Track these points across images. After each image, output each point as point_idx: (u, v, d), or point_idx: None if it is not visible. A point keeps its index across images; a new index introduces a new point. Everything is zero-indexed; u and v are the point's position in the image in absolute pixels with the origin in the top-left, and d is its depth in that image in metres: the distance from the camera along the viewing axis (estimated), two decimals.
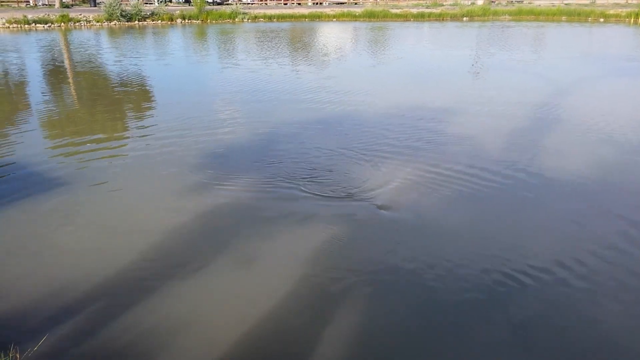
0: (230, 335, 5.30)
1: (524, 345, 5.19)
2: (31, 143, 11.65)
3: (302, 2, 72.93)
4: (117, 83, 19.78)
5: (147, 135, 12.34)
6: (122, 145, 11.61)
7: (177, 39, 38.40)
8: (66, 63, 25.06)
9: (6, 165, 10.10)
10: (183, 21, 51.16)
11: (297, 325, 5.49)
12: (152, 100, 16.81)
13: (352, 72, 22.70)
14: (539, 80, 20.09)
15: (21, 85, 19.66)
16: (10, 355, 4.00)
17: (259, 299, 5.89)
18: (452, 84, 19.76)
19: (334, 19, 57.49)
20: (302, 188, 8.87)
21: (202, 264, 6.61)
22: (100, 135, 12.41)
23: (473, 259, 6.70)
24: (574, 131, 12.68)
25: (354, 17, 58.01)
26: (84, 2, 63.95)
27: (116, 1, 48.64)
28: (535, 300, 5.89)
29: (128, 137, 12.38)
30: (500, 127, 13.07)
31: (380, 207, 8.19)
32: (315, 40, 37.27)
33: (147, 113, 14.94)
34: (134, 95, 17.60)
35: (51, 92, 18.34)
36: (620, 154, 10.87)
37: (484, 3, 65.37)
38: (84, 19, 47.75)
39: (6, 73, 21.88)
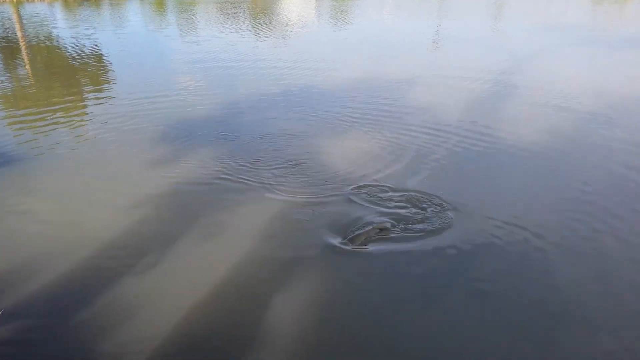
0: (196, 305, 5.41)
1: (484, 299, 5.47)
2: None
3: None
4: (73, 57, 19.24)
5: (105, 110, 12.12)
6: (79, 120, 11.39)
7: (134, 12, 37.34)
8: (19, 37, 24.16)
9: None
10: None
11: (256, 294, 5.63)
12: (110, 74, 16.45)
13: (314, 43, 22.60)
14: (498, 50, 20.42)
15: None
16: None
17: (222, 270, 5.99)
18: (412, 55, 19.92)
19: None
20: (264, 162, 8.93)
21: (164, 238, 6.64)
22: (57, 111, 12.12)
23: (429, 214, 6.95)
24: (531, 100, 13.03)
25: None
26: None
27: None
28: (492, 255, 6.19)
29: (86, 112, 12.14)
30: (460, 97, 13.32)
31: (337, 178, 8.35)
32: (277, 11, 36.82)
33: (105, 87, 14.63)
34: (91, 69, 17.17)
35: (3, 67, 17.72)
36: (574, 122, 11.26)
37: None
38: None
39: None
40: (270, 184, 8.05)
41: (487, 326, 5.13)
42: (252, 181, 8.15)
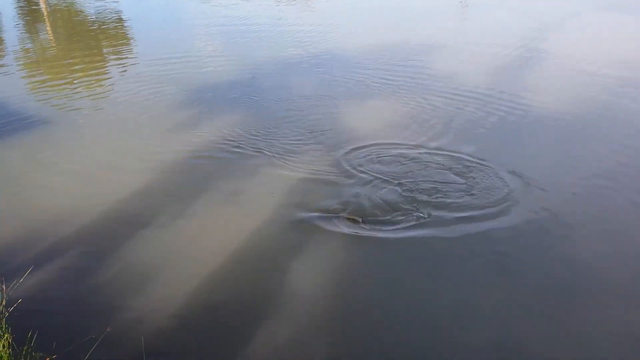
0: (214, 268, 5.47)
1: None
2: (7, 83, 11.41)
3: None
4: (94, 20, 19.20)
5: (126, 74, 12.13)
6: (100, 84, 11.43)
7: None
8: (41, 2, 24.14)
9: None
10: None
11: (273, 259, 5.67)
12: (131, 38, 16.39)
13: (338, 8, 22.18)
14: (528, 15, 19.81)
15: None
16: None
17: (242, 230, 6.03)
18: (438, 20, 19.43)
19: None
20: (284, 127, 8.88)
21: (186, 200, 6.71)
22: (79, 75, 12.16)
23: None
24: (562, 66, 12.63)
25: None
26: None
27: None
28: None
29: (106, 76, 12.16)
30: (488, 63, 12.99)
31: (358, 139, 8.29)
32: None
33: (126, 51, 14.59)
34: (112, 34, 17.12)
35: (27, 32, 17.78)
36: (600, 91, 10.93)
37: None
38: None
39: None
40: (289, 152, 8.02)
41: (505, 301, 5.10)
42: (270, 148, 8.13)
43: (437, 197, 6.68)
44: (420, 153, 7.90)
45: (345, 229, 6.06)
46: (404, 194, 6.74)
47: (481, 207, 6.47)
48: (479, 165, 7.44)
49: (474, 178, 7.14)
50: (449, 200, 6.61)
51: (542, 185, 6.97)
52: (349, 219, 6.25)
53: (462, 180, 7.09)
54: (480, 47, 14.58)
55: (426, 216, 6.28)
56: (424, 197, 6.68)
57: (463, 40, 15.57)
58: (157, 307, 4.90)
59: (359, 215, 6.32)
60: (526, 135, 8.73)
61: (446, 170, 7.38)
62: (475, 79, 11.46)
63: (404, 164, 7.58)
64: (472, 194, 6.75)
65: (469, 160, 7.59)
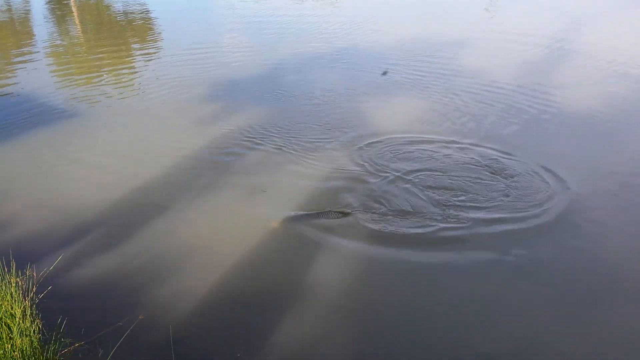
0: (237, 256, 5.46)
1: None
2: (37, 74, 11.58)
3: None
4: (121, 13, 19.42)
5: (151, 67, 12.22)
6: (126, 76, 11.53)
7: None
8: None
9: (12, 94, 10.13)
10: None
11: (296, 252, 5.65)
12: (157, 32, 16.52)
13: (360, 4, 22.05)
14: (557, 12, 19.43)
15: (25, 18, 19.34)
16: (27, 274, 4.15)
17: (262, 224, 6.01)
18: (466, 14, 19.18)
19: None
20: (311, 124, 8.81)
21: (208, 194, 6.72)
22: (106, 67, 12.29)
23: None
24: (591, 63, 12.34)
25: None
26: None
27: None
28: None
29: (133, 68, 12.27)
30: (516, 58, 12.76)
31: (384, 134, 8.19)
32: None
33: (152, 44, 14.71)
34: (139, 27, 17.29)
35: (56, 25, 18.06)
36: (636, 88, 10.65)
37: None
38: None
39: (9, 6, 21.47)
40: (311, 149, 7.91)
41: (531, 301, 5.00)
42: (292, 145, 8.01)
43: (467, 196, 6.49)
44: (449, 149, 7.74)
45: (365, 224, 5.96)
46: (431, 192, 6.57)
47: (514, 208, 6.25)
48: (512, 163, 7.26)
49: (509, 176, 6.94)
50: (480, 199, 6.43)
51: (579, 185, 6.77)
52: (337, 212, 6.13)
53: (496, 178, 6.89)
54: (510, 41, 14.33)
55: (454, 215, 6.11)
56: (452, 196, 6.49)
57: (492, 35, 15.35)
58: (183, 296, 4.90)
59: (349, 207, 6.23)
60: (561, 132, 8.53)
61: (478, 167, 7.20)
62: (506, 74, 11.25)
63: (431, 160, 7.43)
64: (506, 193, 6.54)
65: (501, 158, 7.43)
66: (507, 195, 6.49)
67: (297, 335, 4.47)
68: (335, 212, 6.14)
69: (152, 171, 7.20)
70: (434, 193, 6.54)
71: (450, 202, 6.36)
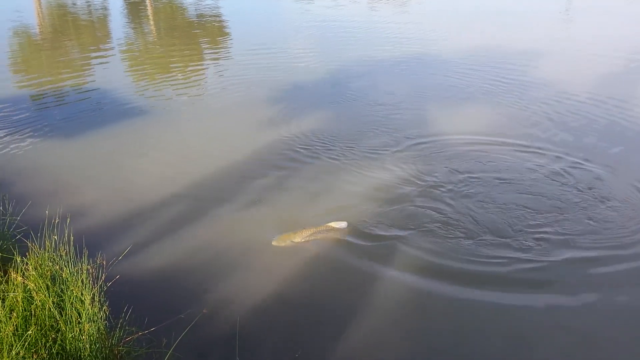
0: (300, 257, 5.46)
1: None
2: (112, 74, 12.10)
3: None
4: (195, 16, 20.01)
5: (219, 68, 12.52)
6: (196, 78, 11.85)
7: None
8: None
9: (88, 90, 10.62)
10: None
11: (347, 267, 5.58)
12: (228, 34, 16.92)
13: (430, 11, 21.73)
14: (633, 22, 18.43)
15: (103, 18, 20.29)
16: (98, 261, 4.29)
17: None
18: (539, 24, 18.51)
19: None
20: (375, 128, 8.71)
21: (273, 192, 6.77)
22: (177, 67, 12.68)
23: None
24: None
25: None
26: None
27: None
28: None
29: (202, 69, 12.60)
30: (594, 69, 12.16)
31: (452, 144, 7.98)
32: None
33: (221, 45, 15.08)
34: (211, 28, 17.76)
35: (131, 25, 18.83)
36: None
37: None
38: None
39: (89, 7, 22.59)
40: (371, 159, 7.68)
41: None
42: (353, 154, 7.78)
43: (549, 221, 5.85)
44: (528, 162, 7.31)
45: (423, 247, 5.57)
46: (504, 212, 6.02)
47: (609, 240, 5.53)
48: (608, 181, 6.71)
49: (604, 199, 6.23)
50: (567, 226, 5.76)
51: None
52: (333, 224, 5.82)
53: (587, 199, 6.23)
54: (586, 52, 13.69)
55: (531, 247, 5.43)
56: (530, 219, 5.88)
57: (567, 45, 14.73)
58: (246, 293, 4.94)
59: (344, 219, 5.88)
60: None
61: (565, 185, 6.62)
62: (585, 85, 10.70)
63: (500, 178, 6.90)
64: (599, 219, 5.81)
65: (595, 176, 6.85)
66: (600, 222, 5.76)
67: (352, 345, 4.41)
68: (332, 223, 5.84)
69: (218, 170, 7.32)
70: (508, 214, 6.00)
71: (528, 226, 5.74)
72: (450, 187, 6.68)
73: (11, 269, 3.99)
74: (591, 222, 5.83)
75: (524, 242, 5.54)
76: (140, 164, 7.55)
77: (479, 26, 17.50)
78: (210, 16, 19.82)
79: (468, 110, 9.39)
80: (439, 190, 6.62)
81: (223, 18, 19.47)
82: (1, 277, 3.99)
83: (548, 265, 5.22)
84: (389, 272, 5.25)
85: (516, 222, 5.86)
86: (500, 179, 6.81)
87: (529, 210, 6.07)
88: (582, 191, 6.47)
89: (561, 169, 7.07)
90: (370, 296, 4.94)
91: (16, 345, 3.26)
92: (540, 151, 7.66)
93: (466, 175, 6.95)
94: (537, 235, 5.64)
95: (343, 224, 5.81)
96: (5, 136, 8.38)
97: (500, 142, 7.99)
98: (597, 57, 12.89)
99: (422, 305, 4.87)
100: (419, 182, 6.85)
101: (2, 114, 9.24)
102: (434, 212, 6.12)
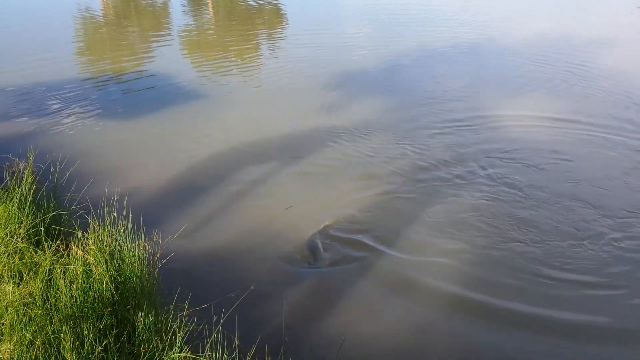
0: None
1: None
2: (171, 58, 12.39)
3: None
4: (252, 1, 20.18)
5: (275, 55, 12.61)
6: (251, 62, 11.97)
7: None
8: None
9: (150, 76, 10.92)
10: None
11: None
12: (285, 19, 16.98)
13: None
14: None
15: (164, 4, 20.75)
16: (154, 239, 4.42)
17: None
18: (609, 17, 17.59)
19: None
20: (428, 117, 8.55)
21: (326, 179, 6.83)
22: (233, 53, 12.84)
23: None
24: None
25: None
26: None
27: None
28: None
29: (258, 57, 12.70)
30: None
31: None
32: None
33: (279, 32, 15.15)
34: (268, 14, 17.87)
35: (191, 11, 19.19)
36: None
37: None
38: None
39: None
40: (425, 155, 7.39)
41: None
42: (405, 150, 7.55)
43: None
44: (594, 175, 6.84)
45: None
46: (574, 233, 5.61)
47: None
48: None
49: None
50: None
51: None
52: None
53: None
54: None
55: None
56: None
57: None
58: (293, 276, 5.02)
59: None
60: None
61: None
62: None
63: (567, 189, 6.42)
64: None
65: None
66: None
67: (398, 341, 4.39)
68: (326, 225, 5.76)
69: (270, 155, 7.40)
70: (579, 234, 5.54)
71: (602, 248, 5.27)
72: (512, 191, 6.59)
73: (73, 243, 4.17)
74: None
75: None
76: (196, 147, 7.72)
77: (543, 16, 16.79)
78: (266, 3, 19.92)
79: (529, 107, 9.08)
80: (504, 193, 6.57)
81: (280, 2, 19.55)
82: (63, 250, 4.18)
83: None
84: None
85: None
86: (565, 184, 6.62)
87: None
88: None
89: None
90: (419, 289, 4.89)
91: (74, 315, 3.40)
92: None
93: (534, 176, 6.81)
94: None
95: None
96: (69, 115, 8.74)
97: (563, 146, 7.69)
98: None
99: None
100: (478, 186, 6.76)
101: (67, 95, 9.63)
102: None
